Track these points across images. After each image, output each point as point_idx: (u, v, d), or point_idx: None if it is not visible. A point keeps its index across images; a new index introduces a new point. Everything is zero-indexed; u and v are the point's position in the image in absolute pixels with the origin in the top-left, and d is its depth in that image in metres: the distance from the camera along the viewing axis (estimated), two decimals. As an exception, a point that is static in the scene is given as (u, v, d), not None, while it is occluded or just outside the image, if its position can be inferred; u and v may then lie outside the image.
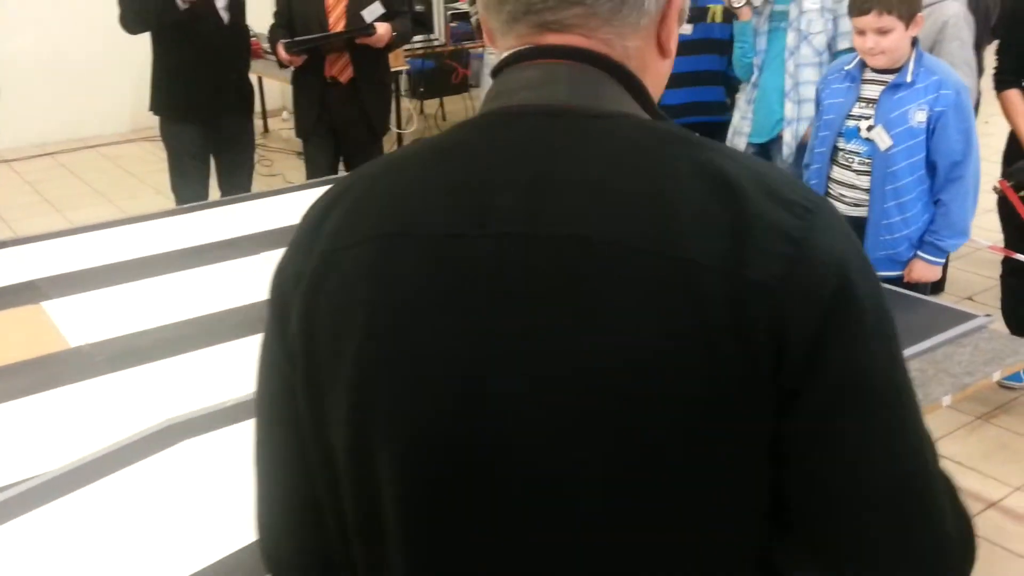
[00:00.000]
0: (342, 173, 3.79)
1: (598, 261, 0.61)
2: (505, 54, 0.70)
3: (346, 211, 0.69)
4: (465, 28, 6.23)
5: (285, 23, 3.64)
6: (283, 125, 7.52)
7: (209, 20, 3.45)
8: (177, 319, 1.94)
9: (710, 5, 3.76)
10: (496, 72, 0.71)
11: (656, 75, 0.75)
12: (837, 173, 2.70)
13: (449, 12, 6.11)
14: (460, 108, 6.86)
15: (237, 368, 1.72)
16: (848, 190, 2.65)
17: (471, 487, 0.64)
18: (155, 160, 6.72)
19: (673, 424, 0.61)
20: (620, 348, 0.60)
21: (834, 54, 3.06)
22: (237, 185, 3.70)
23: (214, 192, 3.81)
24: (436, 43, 6.03)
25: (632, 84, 0.70)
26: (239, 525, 1.21)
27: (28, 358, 1.78)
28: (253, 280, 2.12)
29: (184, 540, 1.20)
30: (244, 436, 1.42)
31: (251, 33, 3.83)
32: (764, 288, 0.59)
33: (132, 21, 3.49)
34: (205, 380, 1.68)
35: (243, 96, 3.75)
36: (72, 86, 6.93)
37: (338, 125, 3.68)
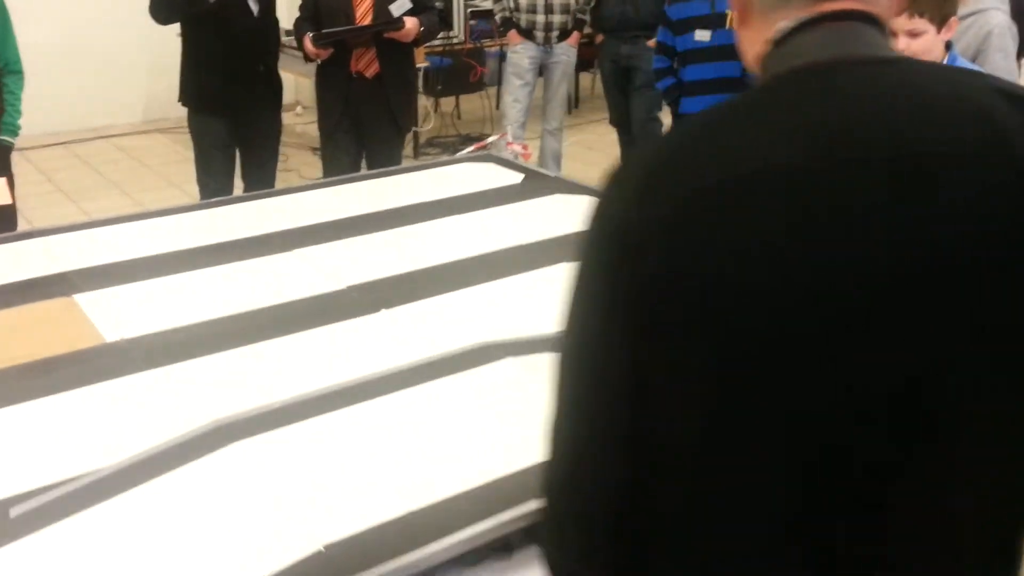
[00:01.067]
0: (364, 170, 3.75)
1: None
2: (784, 24, 0.77)
3: (695, 155, 0.72)
4: (484, 26, 6.19)
5: (311, 16, 3.60)
6: (296, 120, 7.48)
7: (239, 12, 3.41)
8: (212, 316, 1.90)
9: (728, 11, 3.74)
10: (779, 41, 0.77)
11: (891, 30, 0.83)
12: None
13: (469, 10, 6.07)
14: (476, 107, 6.82)
15: (278, 367, 1.68)
16: None
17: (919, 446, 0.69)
18: (168, 152, 6.69)
19: None
20: None
21: None
22: (261, 179, 3.67)
23: (238, 186, 3.78)
24: (456, 41, 5.99)
25: (889, 36, 0.79)
26: (296, 531, 1.18)
27: (64, 352, 1.74)
28: (287, 278, 2.08)
29: (239, 547, 1.16)
30: (297, 438, 1.40)
31: (278, 26, 3.80)
32: None
33: (161, 11, 3.46)
34: (245, 379, 1.64)
35: (272, 89, 3.72)
36: (86, 76, 6.89)
37: (362, 120, 3.64)
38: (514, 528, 1.18)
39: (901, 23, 2.53)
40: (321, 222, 2.45)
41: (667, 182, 0.71)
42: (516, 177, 2.86)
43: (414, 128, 6.11)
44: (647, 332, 0.70)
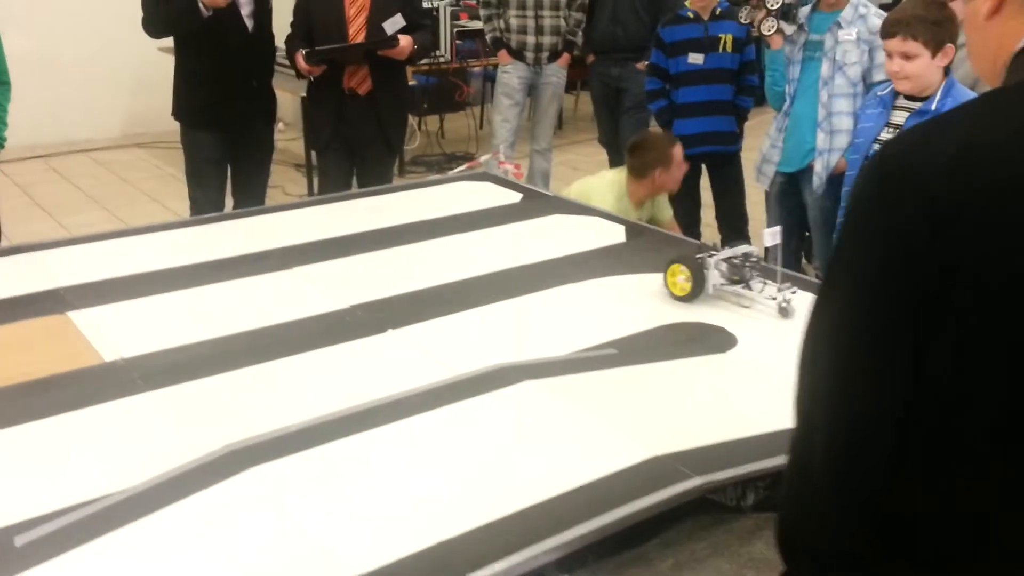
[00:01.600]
0: (355, 188, 3.71)
1: None
2: None
3: (1005, 139, 0.70)
4: (470, 46, 6.18)
5: (303, 33, 3.56)
6: (279, 136, 7.41)
7: (233, 27, 3.38)
8: (213, 335, 1.85)
9: (720, 35, 3.76)
10: None
11: None
12: None
13: (455, 29, 6.06)
14: (461, 125, 6.80)
15: (285, 388, 1.63)
16: None
17: None
18: (147, 167, 6.60)
19: None
20: None
21: (869, 85, 3.05)
22: (252, 195, 3.63)
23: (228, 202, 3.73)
24: (442, 60, 5.97)
25: None
26: (319, 564, 1.13)
27: (61, 371, 1.68)
28: (288, 296, 2.04)
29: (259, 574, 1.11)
30: (314, 463, 1.34)
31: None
32: None
33: (154, 26, 3.42)
34: (252, 401, 1.59)
35: (266, 105, 3.69)
36: (64, 89, 6.79)
37: (354, 138, 3.60)
38: (546, 561, 1.14)
39: (895, 45, 2.56)
40: (319, 239, 2.40)
41: (985, 160, 0.70)
42: (514, 196, 2.83)
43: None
44: (941, 310, 0.69)
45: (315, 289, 2.08)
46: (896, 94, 2.70)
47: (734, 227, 3.90)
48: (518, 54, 4.57)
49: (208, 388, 1.64)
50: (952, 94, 2.60)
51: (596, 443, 1.41)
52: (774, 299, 1.89)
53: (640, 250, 2.34)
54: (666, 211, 3.56)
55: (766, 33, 3.27)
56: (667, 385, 1.62)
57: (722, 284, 1.96)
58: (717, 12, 3.79)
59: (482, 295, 2.04)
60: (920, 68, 2.57)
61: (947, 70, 2.62)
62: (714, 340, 1.79)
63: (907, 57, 2.56)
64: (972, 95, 2.67)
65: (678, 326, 1.84)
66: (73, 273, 2.14)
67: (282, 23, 3.71)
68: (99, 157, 6.85)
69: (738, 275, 1.97)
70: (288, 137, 7.46)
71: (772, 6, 3.21)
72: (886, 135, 2.68)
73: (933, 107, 2.59)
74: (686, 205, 3.85)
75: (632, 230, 2.50)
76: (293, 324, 1.91)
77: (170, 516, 1.22)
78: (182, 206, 4.00)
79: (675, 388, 1.61)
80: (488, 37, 4.71)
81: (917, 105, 2.64)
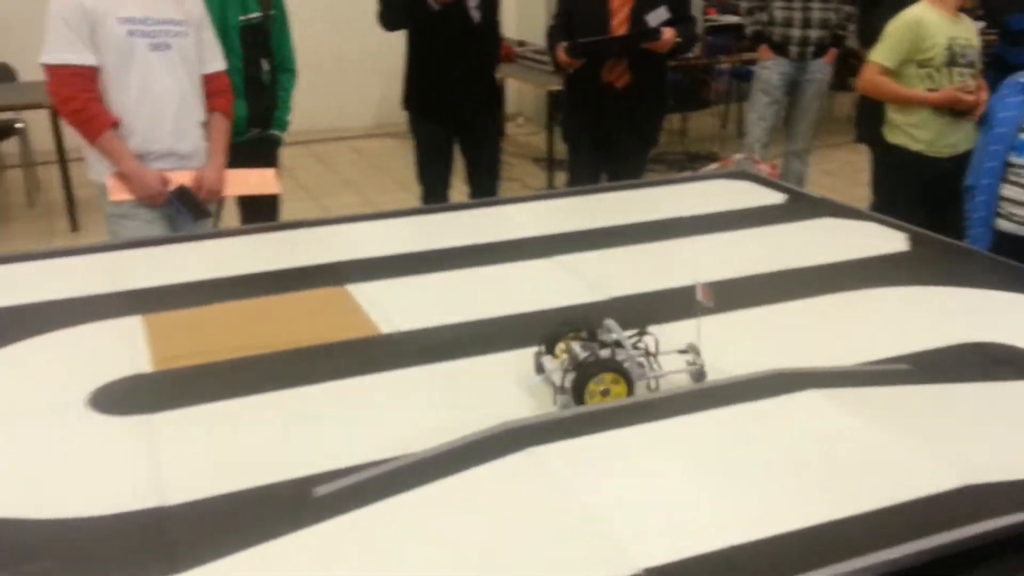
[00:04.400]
0: (603, 182, 3.69)
1: None
2: None
3: None
4: (721, 41, 6.01)
5: (565, 24, 3.58)
6: (518, 131, 7.58)
7: (460, 19, 3.47)
8: (480, 316, 1.88)
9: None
10: None
11: None
12: (1008, 190, 2.49)
13: (707, 25, 5.92)
14: (703, 124, 6.64)
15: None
16: (1018, 208, 2.42)
17: None
18: (397, 155, 6.96)
19: None
20: None
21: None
22: (484, 183, 3.74)
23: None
24: (690, 56, 5.85)
25: None
26: (608, 550, 1.09)
27: (342, 339, 1.77)
28: (543, 285, 2.03)
29: (539, 560, 1.09)
30: (597, 448, 1.32)
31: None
32: None
33: (388, 19, 3.59)
34: (519, 383, 1.58)
35: (491, 95, 3.78)
36: (325, 81, 7.29)
37: (608, 132, 3.58)
38: (850, 584, 1.05)
39: None
40: (575, 230, 2.40)
41: None
42: (777, 197, 2.70)
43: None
44: None
45: (574, 279, 2.07)
46: None
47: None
48: (780, 48, 4.37)
49: (476, 367, 1.66)
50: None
51: (894, 463, 1.28)
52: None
53: (926, 259, 2.15)
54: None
55: None
56: (974, 409, 1.46)
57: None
58: None
59: (749, 297, 1.94)
60: None
61: None
62: (1026, 364, 1.60)
63: None
64: None
65: (983, 346, 1.66)
66: (352, 248, 2.26)
67: (508, 17, 3.78)
68: (355, 145, 7.30)
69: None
70: (528, 132, 7.61)
71: None
72: None
73: None
74: None
75: (916, 238, 2.30)
76: (550, 312, 1.90)
77: (451, 486, 1.23)
78: (427, 193, 4.18)
79: (984, 413, 1.45)
80: (748, 31, 4.54)
81: None
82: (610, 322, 1.62)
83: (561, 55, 3.49)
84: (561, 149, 4.07)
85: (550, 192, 3.01)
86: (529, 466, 1.26)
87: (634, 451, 1.31)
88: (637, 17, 3.43)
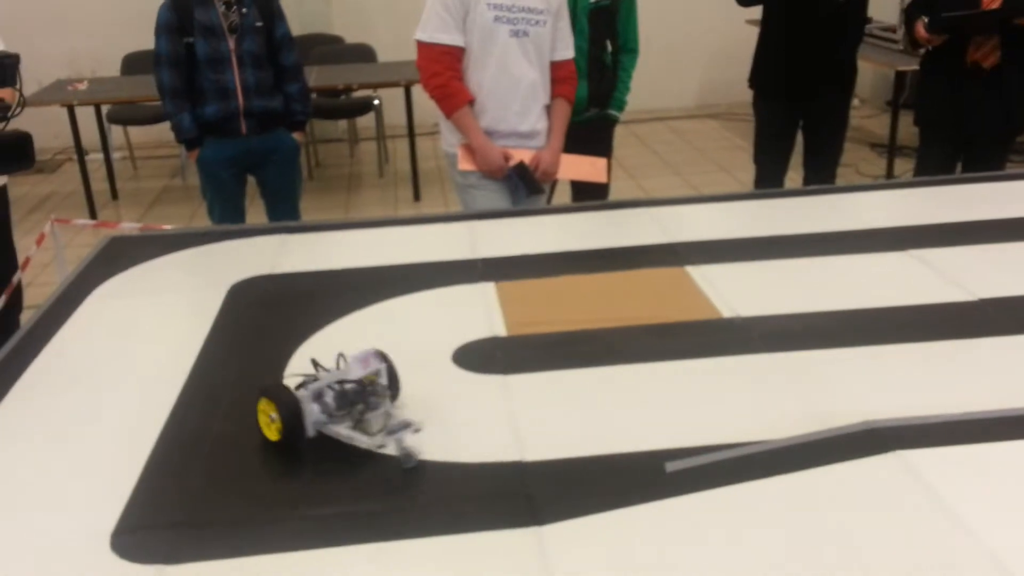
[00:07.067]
0: (958, 173, 3.38)
1: None
2: None
3: None
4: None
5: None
6: (854, 113, 7.14)
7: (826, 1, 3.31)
8: (827, 307, 1.80)
9: None
10: None
11: None
12: None
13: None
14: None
15: (902, 373, 1.51)
16: None
17: None
18: (718, 137, 6.83)
19: None
20: None
21: None
22: (822, 169, 3.59)
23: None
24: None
25: None
26: (984, 564, 1.01)
27: (683, 320, 1.77)
28: (902, 279, 1.90)
29: (887, 567, 1.03)
30: (973, 460, 1.22)
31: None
32: None
33: None
34: (880, 383, 1.50)
35: (843, 76, 3.60)
36: (650, 62, 7.30)
37: (969, 117, 3.27)
38: None
39: None
40: (926, 224, 2.22)
41: None
42: None
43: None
44: None
45: (934, 275, 1.92)
46: None
47: None
48: None
49: (821, 360, 1.59)
50: None
51: None
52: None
53: None
54: None
55: None
56: None
57: (327, 422, 1.36)
58: None
59: None
60: None
61: None
62: None
63: None
64: None
65: None
66: (689, 230, 2.26)
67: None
68: (675, 126, 7.27)
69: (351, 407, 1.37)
70: (864, 114, 7.15)
71: None
72: None
73: None
74: None
75: None
76: (908, 309, 1.78)
77: (805, 479, 1.20)
78: (749, 177, 4.06)
79: None
80: None
81: None
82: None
83: (920, 30, 3.23)
84: (906, 134, 3.79)
85: (896, 181, 2.81)
86: (897, 470, 1.19)
87: (985, 468, 1.20)
88: (1013, -10, 3.09)
